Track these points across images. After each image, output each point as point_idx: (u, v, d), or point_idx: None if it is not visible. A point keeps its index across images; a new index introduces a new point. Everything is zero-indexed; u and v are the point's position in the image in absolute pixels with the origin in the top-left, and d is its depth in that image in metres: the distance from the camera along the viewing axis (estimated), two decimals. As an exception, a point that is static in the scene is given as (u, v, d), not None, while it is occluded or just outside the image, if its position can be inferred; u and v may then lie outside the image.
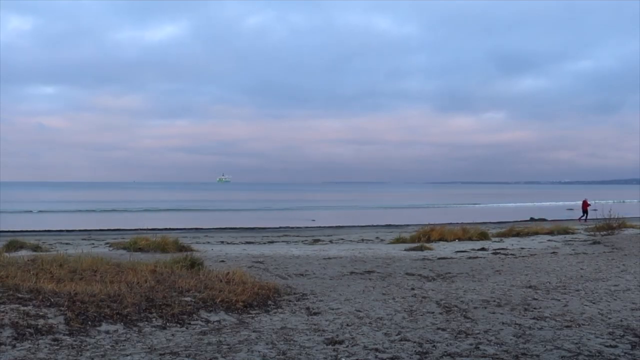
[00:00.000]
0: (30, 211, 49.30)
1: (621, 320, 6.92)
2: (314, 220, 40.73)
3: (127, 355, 5.13)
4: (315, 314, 7.05)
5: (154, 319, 6.27)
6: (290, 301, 7.73)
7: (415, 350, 5.50)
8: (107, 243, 18.88)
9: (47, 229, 30.45)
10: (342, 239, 22.43)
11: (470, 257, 14.09)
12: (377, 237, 23.18)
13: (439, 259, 13.85)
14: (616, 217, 22.36)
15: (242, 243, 20.38)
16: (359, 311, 7.23)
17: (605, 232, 20.77)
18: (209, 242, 20.50)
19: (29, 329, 5.49)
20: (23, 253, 13.41)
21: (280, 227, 33.45)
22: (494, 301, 8.05)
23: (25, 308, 6.00)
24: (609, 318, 7.05)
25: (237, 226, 34.38)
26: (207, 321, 6.43)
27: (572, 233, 22.17)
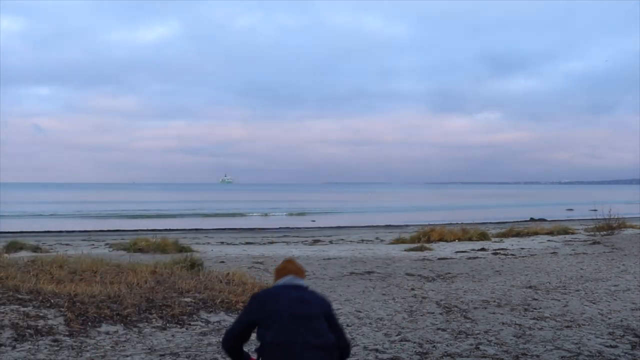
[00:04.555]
0: (33, 214, 49.25)
1: (621, 320, 6.92)
2: (314, 220, 40.71)
3: (127, 356, 5.13)
4: (315, 314, 7.04)
5: (154, 320, 6.27)
6: (290, 302, 7.72)
7: (415, 351, 5.51)
8: (107, 244, 18.88)
9: (46, 229, 30.43)
10: (342, 240, 22.42)
11: (470, 258, 14.09)
12: (377, 238, 23.17)
13: (438, 259, 13.84)
14: (616, 217, 22.32)
15: (242, 244, 20.37)
16: (359, 311, 7.23)
17: (605, 232, 20.75)
18: (209, 243, 20.49)
19: (29, 330, 5.49)
20: (23, 254, 13.40)
21: (280, 228, 33.42)
22: (494, 301, 8.05)
23: (25, 309, 6.00)
24: (609, 318, 7.05)
25: (237, 227, 34.37)
26: (207, 322, 6.43)
27: (572, 233, 22.15)
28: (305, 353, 2.95)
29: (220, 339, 3.31)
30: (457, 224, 27.93)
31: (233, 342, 3.18)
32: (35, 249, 15.82)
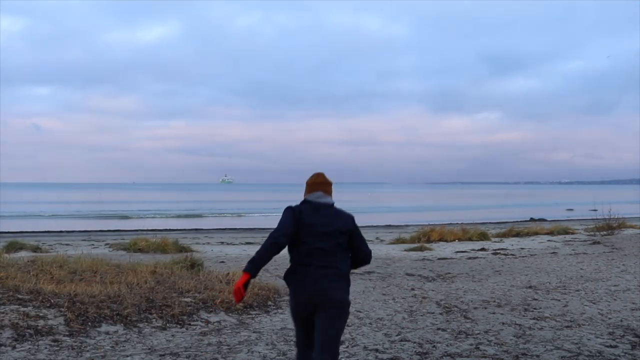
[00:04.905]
0: (33, 214, 49.22)
1: (621, 320, 6.92)
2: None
3: (127, 356, 5.13)
4: (315, 314, 7.04)
5: (154, 320, 6.27)
6: (290, 302, 7.72)
7: (415, 351, 5.51)
8: (107, 244, 18.88)
9: (46, 229, 30.41)
10: (342, 240, 22.40)
11: (470, 258, 14.09)
12: (377, 238, 23.16)
13: (438, 259, 13.85)
14: (616, 217, 22.31)
15: (242, 244, 20.36)
16: (359, 312, 7.23)
17: (605, 232, 20.75)
18: (209, 243, 20.48)
19: (29, 330, 5.49)
20: (23, 254, 13.40)
21: (280, 228, 33.39)
22: (494, 301, 8.05)
23: (25, 309, 6.00)
24: (609, 318, 7.05)
25: (237, 227, 34.36)
26: (208, 322, 6.43)
27: (572, 233, 22.14)
28: (311, 282, 3.52)
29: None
30: (457, 224, 27.91)
31: (283, 237, 3.53)
32: (35, 249, 15.82)
